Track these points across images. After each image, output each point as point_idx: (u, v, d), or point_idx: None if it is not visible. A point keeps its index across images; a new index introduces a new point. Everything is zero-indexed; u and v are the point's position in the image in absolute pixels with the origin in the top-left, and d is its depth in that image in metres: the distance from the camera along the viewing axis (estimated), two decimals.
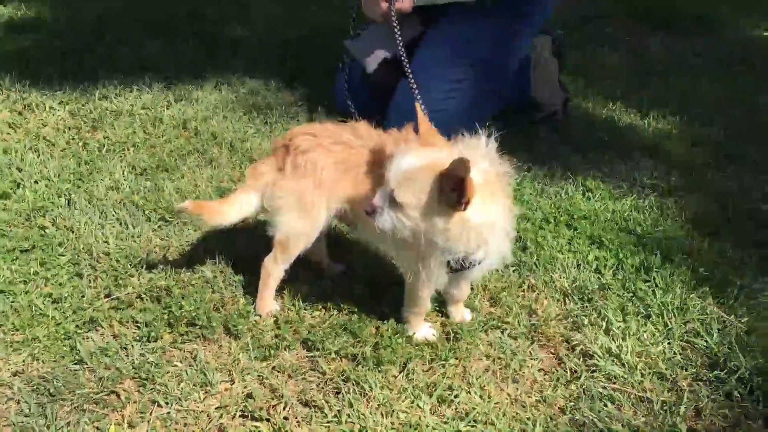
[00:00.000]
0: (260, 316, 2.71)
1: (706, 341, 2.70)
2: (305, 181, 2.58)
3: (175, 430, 2.23)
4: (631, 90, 5.59)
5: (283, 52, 5.68)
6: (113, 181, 3.61)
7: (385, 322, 2.69)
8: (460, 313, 2.79)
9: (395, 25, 3.83)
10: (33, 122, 4.30)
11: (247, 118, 4.52)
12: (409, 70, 3.63)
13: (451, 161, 2.02)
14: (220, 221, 2.70)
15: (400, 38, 3.80)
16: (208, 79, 5.08)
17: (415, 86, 3.55)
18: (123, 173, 3.72)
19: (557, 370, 2.58)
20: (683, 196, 3.91)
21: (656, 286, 3.01)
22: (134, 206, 3.40)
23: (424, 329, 2.70)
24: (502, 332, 2.74)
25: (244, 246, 3.10)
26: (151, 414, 2.28)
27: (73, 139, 4.12)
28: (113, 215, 3.32)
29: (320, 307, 2.81)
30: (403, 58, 3.71)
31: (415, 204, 2.16)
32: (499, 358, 2.61)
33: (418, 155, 2.19)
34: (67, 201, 3.42)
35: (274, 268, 2.73)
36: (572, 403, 2.41)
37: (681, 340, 2.73)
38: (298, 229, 2.64)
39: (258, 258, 2.78)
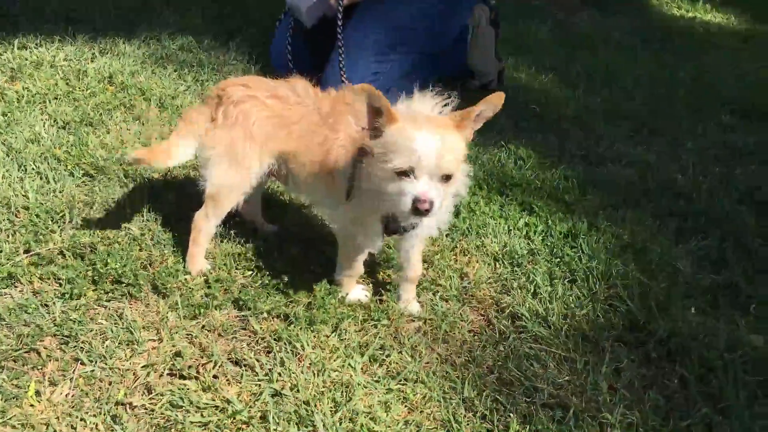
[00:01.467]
0: (190, 274, 2.64)
1: (627, 305, 2.80)
2: (236, 132, 2.53)
3: (99, 388, 2.16)
4: (560, 63, 5.70)
5: (220, 8, 5.51)
6: (33, 134, 3.44)
7: (318, 282, 2.66)
8: (410, 297, 2.68)
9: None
10: None
11: (177, 75, 4.38)
12: (341, 46, 3.64)
13: (454, 116, 2.14)
14: (170, 162, 2.65)
15: (341, 8, 3.79)
16: (137, 32, 4.88)
17: (343, 62, 3.56)
18: (44, 126, 3.54)
19: (486, 332, 2.63)
20: (609, 166, 4.02)
21: (582, 252, 3.09)
22: (56, 160, 3.25)
23: (356, 290, 2.69)
24: (434, 294, 2.77)
25: (173, 203, 3.02)
26: (73, 372, 2.20)
27: None
28: (33, 169, 3.17)
29: (252, 266, 2.76)
30: (339, 30, 3.70)
31: (457, 167, 2.16)
32: (431, 319, 2.64)
33: (432, 129, 2.09)
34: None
35: (205, 224, 2.67)
36: (500, 363, 2.46)
37: (605, 304, 2.81)
38: (228, 182, 2.58)
39: (187, 216, 2.71)
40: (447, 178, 2.12)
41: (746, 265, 3.21)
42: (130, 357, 2.29)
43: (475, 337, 2.60)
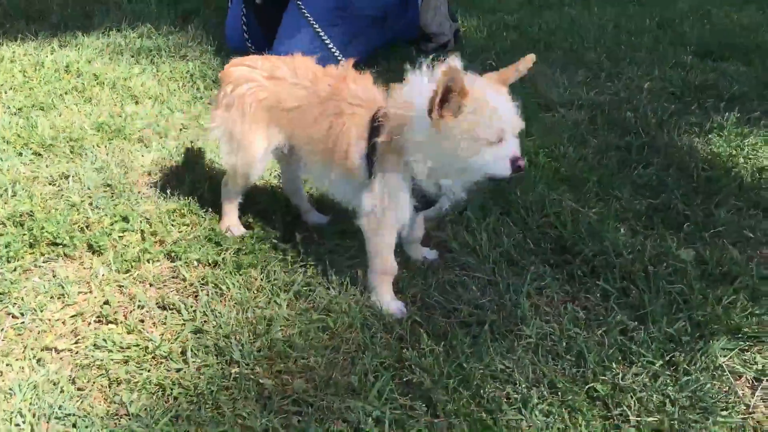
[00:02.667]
0: (126, 230, 2.73)
1: (559, 231, 2.84)
2: (234, 113, 2.52)
3: (29, 337, 2.25)
4: (524, 21, 5.72)
5: None
6: None
7: (251, 230, 2.73)
8: (420, 253, 2.71)
9: None
10: None
11: (134, 60, 4.48)
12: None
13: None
14: None
15: None
16: (95, 24, 4.99)
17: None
18: (5, 114, 3.65)
19: (417, 266, 2.68)
20: (560, 111, 4.05)
21: (518, 186, 3.13)
22: (6, 142, 3.36)
23: (395, 302, 2.45)
24: None
25: (117, 173, 3.11)
26: (4, 324, 2.29)
27: None
28: None
29: (187, 221, 2.84)
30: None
31: None
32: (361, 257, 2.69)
33: (500, 91, 2.21)
34: None
35: (225, 193, 2.75)
36: (424, 290, 2.52)
37: (537, 232, 2.86)
38: (232, 161, 2.61)
39: (130, 184, 2.80)
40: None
41: (687, 188, 3.23)
42: (61, 308, 2.38)
43: (406, 271, 2.65)
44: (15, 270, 2.54)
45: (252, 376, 2.10)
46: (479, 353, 2.22)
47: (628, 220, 2.96)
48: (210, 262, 2.61)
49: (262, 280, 2.53)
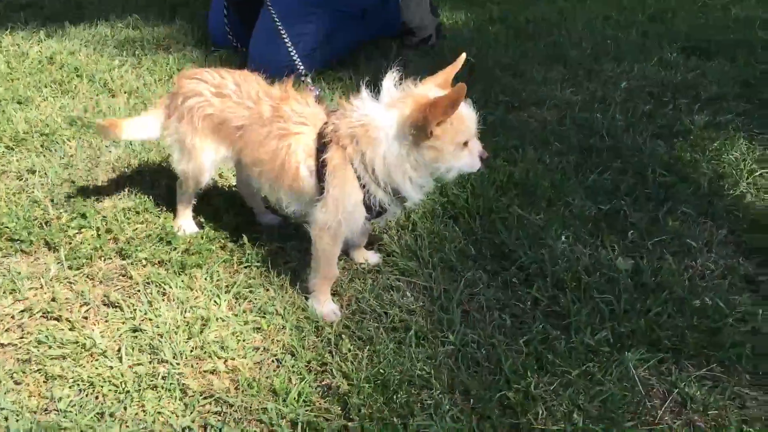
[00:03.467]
0: (80, 230, 2.84)
1: (501, 238, 2.90)
2: (184, 126, 2.60)
3: None
4: (511, 14, 5.73)
5: None
6: None
7: (201, 230, 2.84)
8: (363, 256, 2.82)
9: None
10: None
11: (117, 51, 4.58)
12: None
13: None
14: (119, 135, 2.74)
15: None
16: (85, 15, 5.09)
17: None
18: None
19: (356, 268, 2.77)
20: (531, 110, 4.09)
21: (469, 191, 3.20)
22: None
23: (331, 305, 2.56)
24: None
25: (83, 169, 3.22)
26: None
27: None
28: None
29: (141, 219, 2.95)
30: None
31: None
32: (307, 260, 2.78)
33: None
34: None
35: (181, 196, 2.85)
36: (359, 295, 2.61)
37: (481, 238, 2.93)
38: (183, 168, 2.70)
39: (95, 180, 2.91)
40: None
41: (640, 194, 3.28)
42: (11, 304, 2.51)
43: (346, 272, 2.74)
44: None
45: (178, 376, 2.21)
46: (401, 359, 2.31)
47: (574, 226, 3.02)
48: (157, 261, 2.72)
49: (205, 280, 2.64)
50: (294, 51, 2.89)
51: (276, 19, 3.64)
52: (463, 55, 2.47)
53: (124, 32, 4.87)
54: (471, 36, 5.27)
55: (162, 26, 5.02)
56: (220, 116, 2.55)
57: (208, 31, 4.77)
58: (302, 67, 2.80)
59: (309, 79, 2.71)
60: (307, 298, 2.57)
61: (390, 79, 2.34)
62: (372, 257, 2.83)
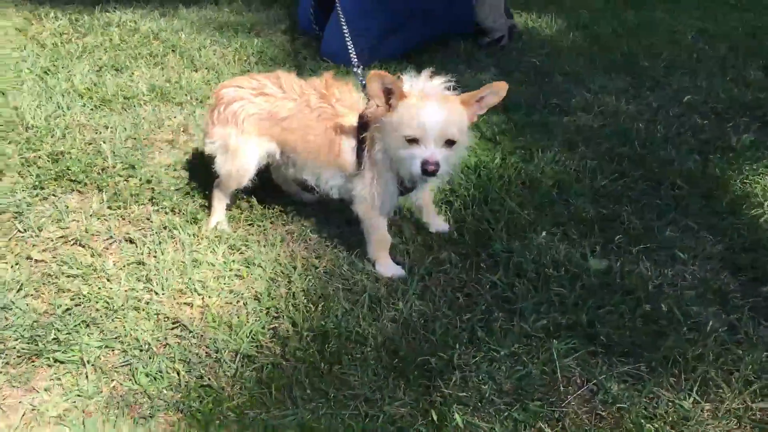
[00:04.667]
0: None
1: (486, 227, 3.09)
2: (229, 129, 2.88)
3: (17, 246, 2.92)
4: (596, 21, 5.72)
5: None
6: (69, 75, 4.34)
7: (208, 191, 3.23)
8: (437, 224, 3.09)
9: None
10: (36, 28, 5.10)
11: (214, 33, 5.13)
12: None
13: (461, 96, 2.53)
14: None
15: None
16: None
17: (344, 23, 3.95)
18: (84, 70, 4.43)
19: (338, 236, 3.07)
20: (577, 115, 4.17)
21: (474, 183, 3.39)
22: (77, 94, 4.11)
23: (393, 267, 2.86)
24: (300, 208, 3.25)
25: (145, 125, 3.75)
26: (11, 235, 2.98)
27: (61, 43, 4.88)
28: (57, 100, 4.03)
29: (177, 174, 3.42)
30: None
31: (460, 134, 2.53)
32: (303, 226, 3.12)
33: (436, 101, 2.48)
34: (35, 91, 4.15)
35: (216, 195, 3.10)
36: (332, 262, 2.91)
37: (471, 225, 3.13)
38: (227, 170, 2.97)
39: (150, 140, 3.40)
40: (451, 143, 2.51)
41: (648, 203, 3.33)
42: (54, 230, 3.03)
43: (326, 242, 3.05)
44: (36, 196, 3.22)
45: (158, 303, 2.63)
46: (348, 317, 2.59)
47: (565, 225, 3.14)
48: (178, 210, 3.15)
49: (211, 232, 3.04)
50: (351, 45, 3.15)
51: (341, 14, 4.00)
52: (503, 85, 2.53)
53: (226, 16, 5.42)
54: (545, 40, 5.35)
55: (260, 13, 5.53)
56: (266, 112, 2.85)
57: (299, 21, 5.21)
58: (355, 60, 3.07)
59: (360, 71, 3.00)
60: (291, 253, 2.90)
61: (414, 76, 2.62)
62: (444, 225, 3.10)
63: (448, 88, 2.60)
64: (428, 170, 2.47)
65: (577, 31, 5.54)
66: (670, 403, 2.33)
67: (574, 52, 5.11)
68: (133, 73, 4.43)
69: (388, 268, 2.87)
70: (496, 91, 2.54)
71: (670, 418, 2.27)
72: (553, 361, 2.45)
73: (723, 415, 2.29)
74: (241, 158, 2.92)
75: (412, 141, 2.48)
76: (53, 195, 3.25)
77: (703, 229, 3.17)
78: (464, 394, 2.32)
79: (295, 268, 2.86)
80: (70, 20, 5.21)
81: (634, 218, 3.22)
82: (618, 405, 2.31)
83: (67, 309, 2.59)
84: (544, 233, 3.05)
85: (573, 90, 4.52)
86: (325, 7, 4.83)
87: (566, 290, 2.73)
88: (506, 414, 2.26)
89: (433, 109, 2.46)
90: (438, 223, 3.12)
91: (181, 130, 3.81)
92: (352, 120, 2.74)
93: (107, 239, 3.00)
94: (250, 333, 2.52)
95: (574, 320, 2.59)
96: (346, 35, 3.22)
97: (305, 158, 2.87)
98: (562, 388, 2.38)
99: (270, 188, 3.32)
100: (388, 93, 2.53)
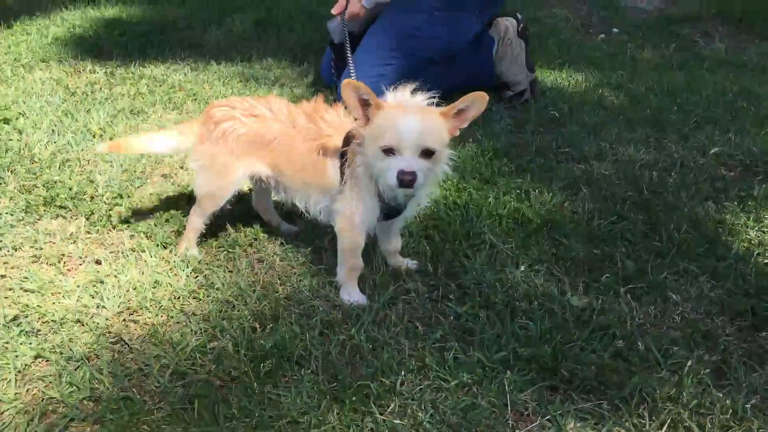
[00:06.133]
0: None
1: (466, 264, 2.93)
2: (218, 147, 2.89)
3: None
4: (634, 81, 5.57)
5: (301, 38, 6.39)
6: (89, 117, 4.48)
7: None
8: (403, 263, 2.96)
9: (343, 21, 4.49)
10: (72, 79, 5.33)
11: (240, 85, 5.25)
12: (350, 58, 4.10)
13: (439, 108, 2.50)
14: (131, 150, 3.22)
15: (347, 33, 4.31)
16: (233, 56, 5.88)
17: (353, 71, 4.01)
18: (102, 114, 4.57)
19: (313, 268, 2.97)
20: (590, 162, 4.01)
21: (465, 216, 3.25)
22: (90, 133, 4.23)
23: (358, 295, 2.76)
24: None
25: (142, 165, 3.80)
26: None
27: (92, 91, 5.08)
28: (69, 137, 4.15)
29: (159, 203, 3.41)
30: (347, 47, 4.19)
31: (439, 145, 2.48)
32: (274, 254, 3.04)
33: (412, 112, 2.46)
34: (50, 129, 4.29)
35: (193, 220, 3.07)
36: (299, 285, 2.80)
37: (447, 258, 2.97)
38: (210, 190, 2.97)
39: (145, 173, 3.45)
40: (429, 153, 2.44)
41: (646, 245, 3.11)
42: (27, 251, 3.05)
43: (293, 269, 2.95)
44: (21, 220, 3.26)
45: (106, 319, 2.57)
46: (295, 340, 2.46)
47: (548, 262, 2.95)
48: (150, 235, 3.13)
49: (178, 255, 2.99)
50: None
51: (350, 61, 4.04)
52: (483, 95, 2.47)
53: (256, 71, 5.54)
54: (570, 95, 5.22)
55: (289, 69, 5.64)
56: (255, 133, 2.85)
57: (322, 73, 5.29)
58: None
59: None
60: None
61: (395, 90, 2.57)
62: (409, 263, 2.96)
63: (431, 104, 2.54)
64: (404, 180, 2.38)
65: (606, 88, 5.39)
66: None
67: (599, 107, 4.96)
68: (148, 117, 4.54)
69: (351, 294, 2.75)
70: (476, 101, 2.46)
71: None
72: (506, 393, 2.23)
73: None
74: (225, 178, 2.91)
75: (389, 151, 2.41)
76: (38, 220, 3.28)
77: (704, 274, 2.92)
78: (399, 422, 2.13)
79: (254, 291, 2.76)
80: (106, 73, 5.43)
81: (628, 260, 2.99)
82: None
83: (14, 319, 2.56)
84: (523, 267, 2.87)
85: (588, 140, 4.35)
86: (345, 58, 4.88)
87: (534, 323, 2.52)
88: None
89: (410, 119, 2.40)
90: (406, 261, 2.97)
91: (179, 166, 3.84)
92: (337, 139, 2.70)
93: (77, 260, 2.98)
94: (188, 350, 2.41)
95: (534, 353, 2.37)
96: (352, 75, 3.22)
97: (292, 180, 2.84)
98: (511, 422, 2.16)
99: (245, 217, 3.27)
100: (365, 104, 2.49)
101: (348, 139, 2.66)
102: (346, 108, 2.66)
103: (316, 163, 2.74)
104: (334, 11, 4.64)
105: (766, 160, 4.09)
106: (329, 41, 5.10)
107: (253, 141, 2.85)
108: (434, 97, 2.55)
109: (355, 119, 2.57)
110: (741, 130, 4.57)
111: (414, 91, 2.54)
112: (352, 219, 2.68)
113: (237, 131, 2.85)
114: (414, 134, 2.39)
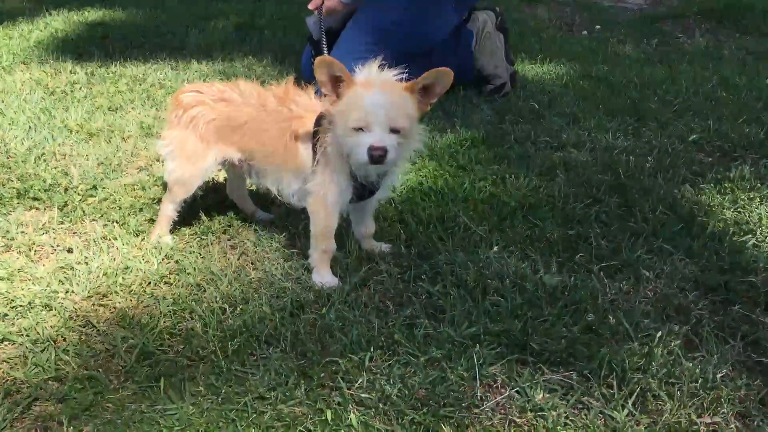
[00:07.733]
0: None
1: (436, 241, 2.92)
2: (187, 133, 2.86)
3: None
4: (614, 74, 5.59)
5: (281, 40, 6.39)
6: (67, 114, 4.46)
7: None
8: (377, 247, 2.93)
9: (320, 17, 4.48)
10: (52, 79, 5.32)
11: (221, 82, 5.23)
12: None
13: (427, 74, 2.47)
14: None
15: (323, 27, 4.33)
16: (214, 56, 5.88)
17: None
18: (80, 111, 4.55)
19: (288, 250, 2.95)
20: (568, 149, 4.01)
21: (436, 201, 3.24)
22: (67, 129, 4.21)
23: (328, 277, 2.73)
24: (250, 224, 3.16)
25: (118, 159, 3.79)
26: None
27: (71, 90, 5.06)
28: (49, 133, 4.12)
29: (135, 194, 3.39)
30: (323, 42, 4.21)
31: (407, 121, 2.47)
32: (247, 240, 3.02)
33: (381, 88, 2.45)
34: (27, 125, 4.28)
35: (164, 208, 3.04)
36: (271, 267, 2.79)
37: (419, 240, 2.96)
38: (180, 176, 2.93)
39: (121, 165, 3.44)
40: (397, 130, 2.43)
41: (621, 226, 3.10)
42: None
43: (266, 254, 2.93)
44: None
45: (75, 303, 2.55)
46: (265, 320, 2.44)
47: (522, 243, 2.94)
48: (122, 223, 3.11)
49: (150, 242, 2.98)
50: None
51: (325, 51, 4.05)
52: (447, 71, 2.50)
53: (237, 70, 5.54)
54: (550, 87, 5.22)
55: (271, 67, 5.64)
56: (225, 117, 2.83)
57: (302, 70, 5.29)
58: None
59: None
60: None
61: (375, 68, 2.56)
62: (383, 247, 2.94)
63: (401, 80, 2.54)
64: (374, 156, 2.39)
65: (587, 80, 5.40)
66: (600, 414, 2.05)
67: (580, 98, 4.96)
68: (127, 113, 4.52)
69: (323, 277, 2.72)
70: (440, 76, 2.49)
71: (598, 429, 2.00)
72: (475, 367, 2.21)
73: (660, 428, 2.00)
74: (195, 164, 2.89)
75: (359, 129, 2.42)
76: (11, 212, 3.26)
77: (678, 252, 2.91)
78: (366, 396, 2.11)
79: (226, 275, 2.74)
80: (86, 73, 5.41)
81: (602, 240, 2.98)
82: (538, 413, 2.05)
83: None
84: (496, 248, 2.85)
85: (567, 129, 4.35)
86: (323, 53, 4.88)
87: (505, 300, 2.51)
88: (411, 417, 2.04)
89: (377, 95, 2.41)
90: (380, 245, 2.96)
91: (155, 159, 3.82)
92: (309, 121, 2.69)
93: (48, 249, 2.96)
94: (156, 332, 2.39)
95: (505, 328, 2.36)
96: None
97: (264, 164, 2.82)
98: (479, 395, 2.14)
99: (219, 206, 3.26)
100: (337, 81, 2.49)
101: (319, 121, 2.65)
102: (317, 85, 2.64)
103: (287, 146, 2.72)
104: (311, 6, 4.64)
105: (743, 145, 4.09)
106: (308, 37, 5.11)
107: (223, 126, 2.83)
108: (404, 72, 2.55)
109: (325, 95, 2.56)
110: (720, 118, 4.57)
111: (381, 67, 2.53)
112: (324, 199, 2.67)
113: (206, 117, 2.83)
114: (382, 110, 2.40)
